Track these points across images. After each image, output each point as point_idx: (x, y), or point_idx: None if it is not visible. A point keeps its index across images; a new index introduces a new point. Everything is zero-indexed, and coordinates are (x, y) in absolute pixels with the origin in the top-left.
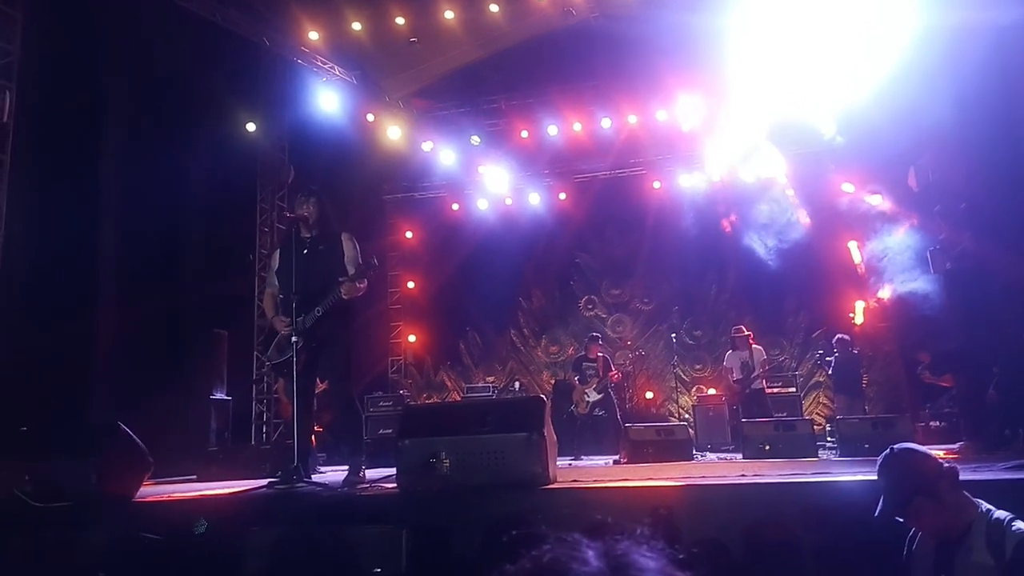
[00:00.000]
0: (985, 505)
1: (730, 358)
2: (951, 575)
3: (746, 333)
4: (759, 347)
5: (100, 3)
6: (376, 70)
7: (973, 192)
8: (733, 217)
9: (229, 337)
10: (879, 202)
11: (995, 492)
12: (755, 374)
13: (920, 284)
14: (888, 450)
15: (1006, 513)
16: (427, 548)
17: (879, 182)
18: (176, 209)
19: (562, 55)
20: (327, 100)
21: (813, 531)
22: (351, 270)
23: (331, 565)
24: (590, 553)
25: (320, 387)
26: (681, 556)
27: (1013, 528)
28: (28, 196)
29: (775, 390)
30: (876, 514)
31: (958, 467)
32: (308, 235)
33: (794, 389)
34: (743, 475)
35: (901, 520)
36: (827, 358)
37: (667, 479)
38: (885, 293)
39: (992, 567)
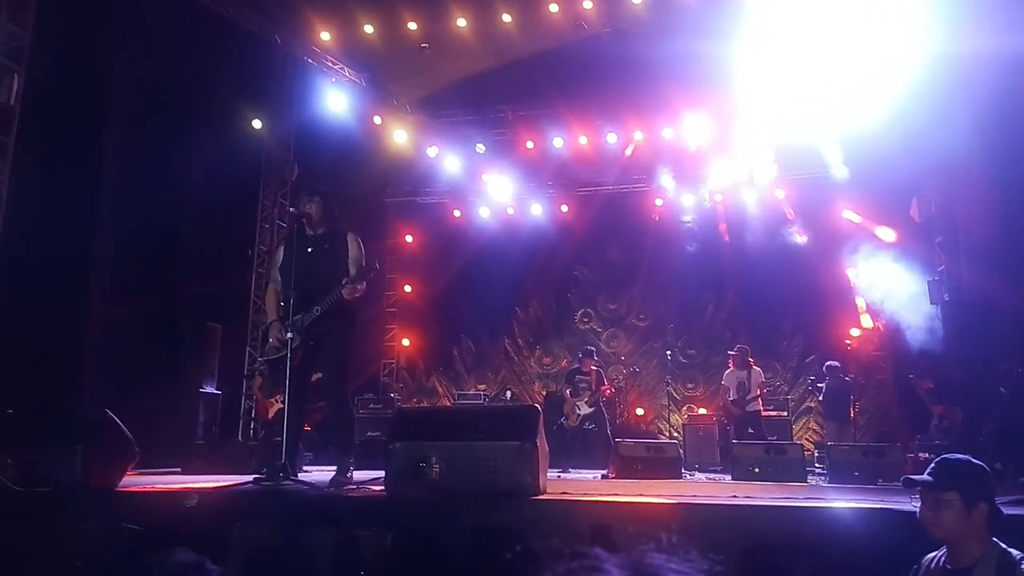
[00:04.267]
0: (1002, 545)
1: (728, 377)
2: None
3: (747, 353)
4: (758, 368)
5: None
6: (385, 73)
7: (975, 224)
8: (722, 227)
9: (223, 331)
10: (888, 235)
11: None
12: (751, 395)
13: (918, 315)
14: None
15: (1020, 553)
16: (413, 553)
17: (882, 211)
18: (177, 201)
19: (571, 69)
20: (335, 100)
21: (805, 556)
22: (354, 271)
23: (315, 565)
24: (614, 568)
25: (315, 378)
26: (705, 568)
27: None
28: (30, 180)
29: (770, 413)
30: (906, 477)
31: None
32: (313, 233)
33: (785, 413)
34: (735, 496)
35: (919, 505)
36: (818, 384)
37: (658, 496)
38: (882, 322)
39: None
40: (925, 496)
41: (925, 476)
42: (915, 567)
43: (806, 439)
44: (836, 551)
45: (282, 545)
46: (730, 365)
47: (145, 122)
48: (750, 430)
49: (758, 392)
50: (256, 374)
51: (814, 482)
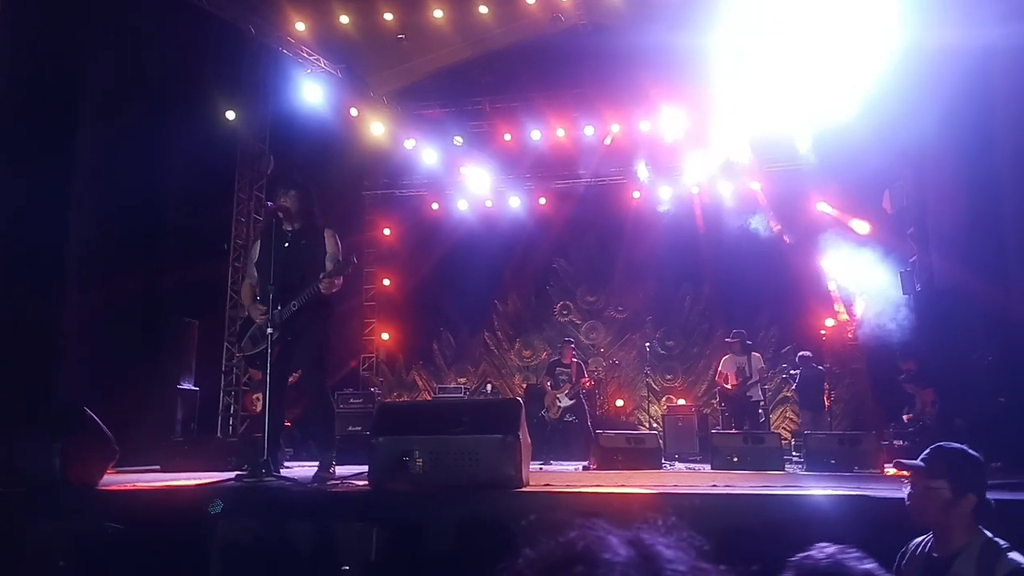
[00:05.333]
0: (988, 534)
1: (727, 363)
2: None
3: (745, 338)
4: (757, 354)
5: None
6: (362, 65)
7: (944, 215)
8: (698, 218)
9: (200, 326)
10: (862, 228)
11: None
12: (752, 381)
13: (890, 305)
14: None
15: (1005, 542)
16: (397, 547)
17: (855, 203)
18: (151, 195)
19: (549, 61)
20: (311, 92)
21: (783, 543)
22: (330, 266)
23: (300, 561)
24: (617, 542)
25: (292, 379)
26: (706, 548)
27: (1009, 556)
28: (0, 173)
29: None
30: (898, 460)
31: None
32: (290, 228)
33: (763, 401)
34: (714, 485)
35: (908, 490)
36: (792, 373)
37: (640, 487)
38: (855, 312)
39: None
40: (915, 481)
41: (918, 462)
42: (902, 550)
43: (783, 428)
44: (815, 538)
45: (266, 541)
46: (731, 350)
47: (117, 114)
48: (747, 418)
49: (758, 378)
50: (249, 367)
51: (791, 470)
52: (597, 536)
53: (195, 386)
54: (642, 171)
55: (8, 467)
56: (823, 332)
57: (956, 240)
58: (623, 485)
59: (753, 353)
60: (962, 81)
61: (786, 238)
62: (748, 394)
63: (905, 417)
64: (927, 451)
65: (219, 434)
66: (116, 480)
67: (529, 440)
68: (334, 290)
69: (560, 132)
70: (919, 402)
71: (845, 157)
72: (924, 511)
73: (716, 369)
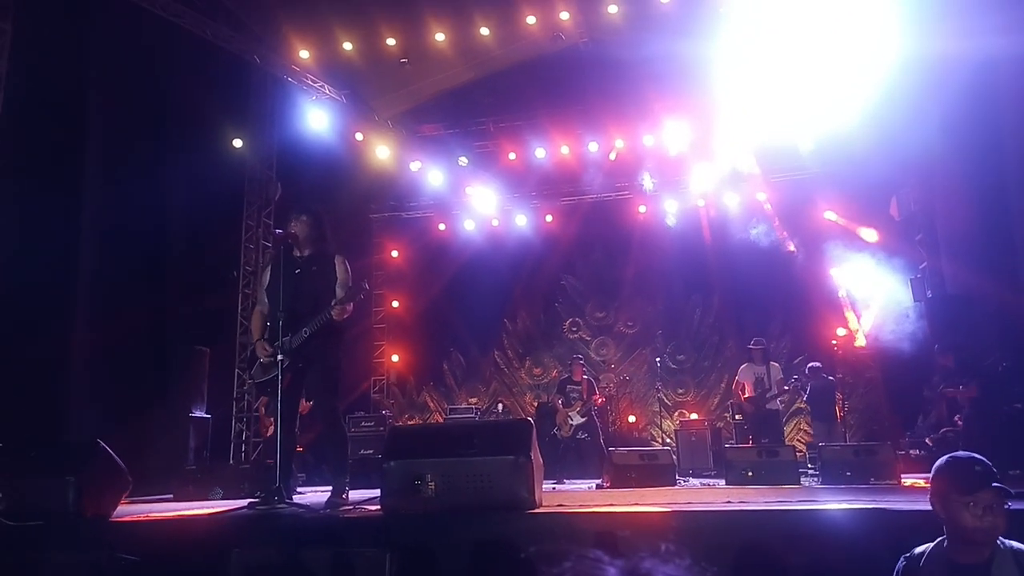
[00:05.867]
0: (1007, 541)
1: (744, 372)
2: None
3: (764, 347)
4: (776, 364)
5: (89, 17)
6: (366, 89)
7: (954, 220)
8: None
9: (211, 354)
10: (871, 236)
11: None
12: (771, 393)
13: (902, 312)
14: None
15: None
16: (412, 571)
17: (862, 211)
18: (160, 224)
19: (551, 79)
20: (316, 118)
21: (800, 559)
22: (341, 293)
23: None
24: (612, 571)
25: (304, 407)
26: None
27: None
28: (10, 206)
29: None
30: (1001, 487)
31: None
32: (300, 254)
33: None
34: (729, 501)
35: (986, 516)
36: (804, 383)
37: (653, 505)
38: (868, 320)
39: None
40: (995, 504)
41: (999, 485)
42: (903, 564)
43: (797, 440)
44: (831, 553)
45: (281, 569)
46: (749, 359)
47: (126, 145)
48: (767, 430)
49: (777, 390)
50: (260, 394)
51: (807, 483)
52: (591, 566)
53: (207, 413)
54: (647, 181)
55: (24, 501)
56: (834, 342)
57: (966, 245)
58: (636, 503)
59: (772, 363)
60: (965, 88)
61: (792, 248)
62: (768, 405)
63: (929, 439)
64: (986, 469)
65: (231, 461)
66: (129, 511)
67: (541, 460)
68: (345, 316)
69: (564, 149)
70: (942, 408)
71: (850, 165)
72: (997, 529)
73: (734, 380)
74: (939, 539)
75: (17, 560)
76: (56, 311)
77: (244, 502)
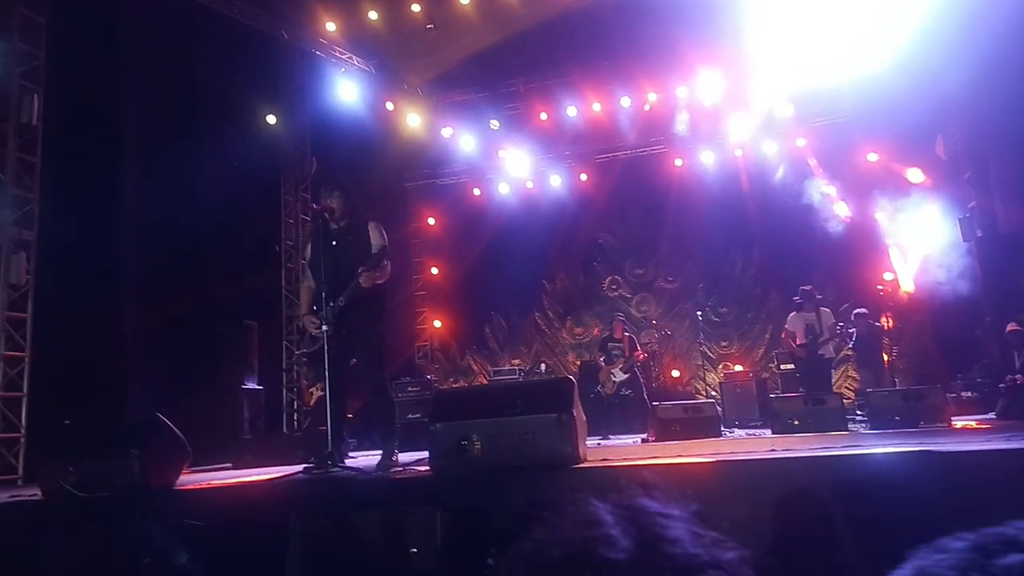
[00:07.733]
0: None
1: (793, 320)
2: None
3: (814, 294)
4: (827, 310)
5: (120, 4)
6: (394, 58)
7: (1006, 157)
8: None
9: (259, 328)
10: (917, 176)
11: None
12: (823, 338)
13: (951, 253)
14: None
15: None
16: (461, 528)
17: (905, 151)
18: (200, 204)
19: (580, 35)
20: (346, 90)
21: (846, 505)
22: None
23: (369, 547)
24: (616, 532)
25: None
26: (712, 532)
27: None
28: (57, 197)
29: None
30: None
31: None
32: (336, 226)
33: None
34: (773, 450)
35: None
36: (849, 330)
37: (697, 456)
38: (915, 263)
39: None
40: None
41: None
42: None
43: (845, 387)
44: (876, 497)
45: (337, 530)
46: (799, 308)
47: (162, 131)
48: (818, 378)
49: (829, 336)
50: (303, 365)
51: (855, 430)
52: (594, 529)
53: (259, 385)
54: (681, 124)
55: (95, 476)
56: (880, 287)
57: (1018, 181)
58: (680, 455)
59: (822, 308)
60: (1004, 22)
61: (846, 212)
62: (820, 352)
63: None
64: None
65: (285, 430)
66: (192, 480)
67: (584, 417)
68: (379, 281)
69: (596, 106)
70: (995, 349)
71: (891, 105)
72: None
73: (781, 330)
74: None
75: (91, 529)
76: (108, 297)
77: (299, 467)
